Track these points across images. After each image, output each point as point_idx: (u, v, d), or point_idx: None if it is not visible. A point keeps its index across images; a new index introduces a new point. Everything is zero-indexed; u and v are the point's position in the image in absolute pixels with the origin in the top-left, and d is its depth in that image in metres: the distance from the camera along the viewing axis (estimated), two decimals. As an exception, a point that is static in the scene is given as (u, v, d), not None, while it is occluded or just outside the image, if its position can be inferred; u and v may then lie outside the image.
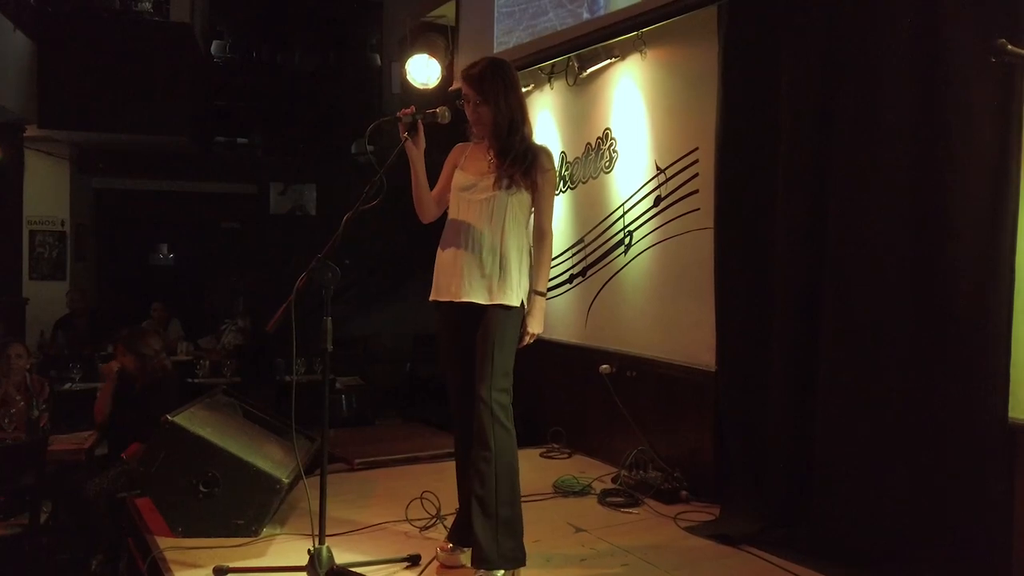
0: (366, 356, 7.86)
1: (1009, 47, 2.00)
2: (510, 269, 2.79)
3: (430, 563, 2.94)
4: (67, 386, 5.52)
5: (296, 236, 9.30)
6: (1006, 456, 2.66)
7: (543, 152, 2.89)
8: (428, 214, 3.02)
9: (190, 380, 6.30)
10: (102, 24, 8.34)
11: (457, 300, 2.80)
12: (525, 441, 4.61)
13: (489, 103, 2.81)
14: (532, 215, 2.92)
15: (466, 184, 2.88)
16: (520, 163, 2.82)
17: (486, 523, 2.72)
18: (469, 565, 2.85)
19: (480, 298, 2.78)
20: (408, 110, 2.83)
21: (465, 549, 2.92)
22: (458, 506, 3.01)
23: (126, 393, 4.17)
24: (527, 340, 2.87)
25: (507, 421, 2.76)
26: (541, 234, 2.91)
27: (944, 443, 2.79)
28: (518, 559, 2.76)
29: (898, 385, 2.93)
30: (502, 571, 2.69)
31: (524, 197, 2.85)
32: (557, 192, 4.95)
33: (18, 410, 4.33)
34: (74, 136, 8.65)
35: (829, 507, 3.12)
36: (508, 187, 2.80)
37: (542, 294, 2.90)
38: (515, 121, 2.84)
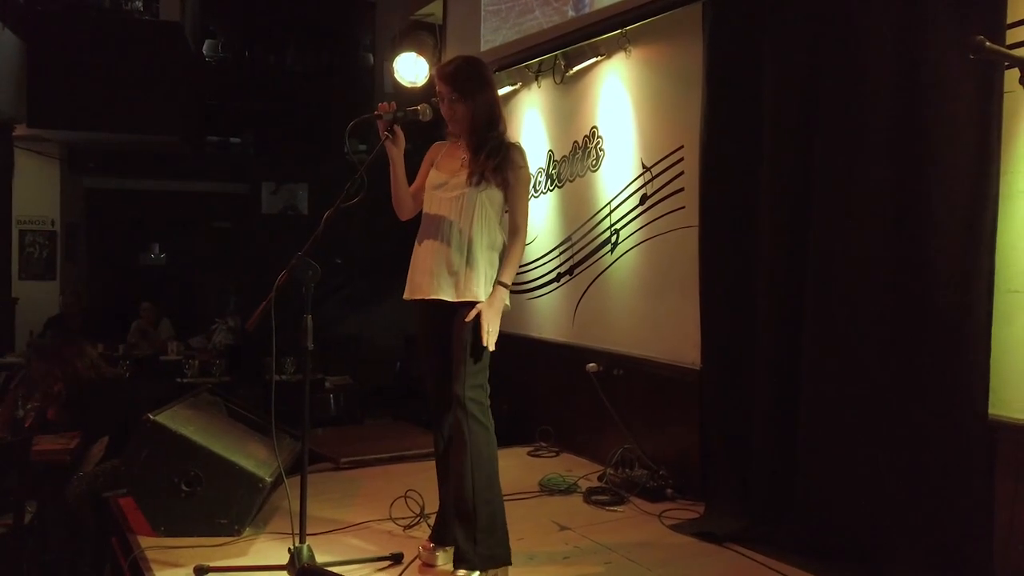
0: (356, 355, 7.86)
1: (987, 44, 1.99)
2: (478, 266, 2.76)
3: (412, 562, 2.93)
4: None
5: (288, 236, 9.29)
6: (987, 452, 2.66)
7: (515, 149, 2.86)
8: (405, 211, 3.01)
9: (179, 380, 6.29)
10: (91, 22, 8.31)
11: (428, 298, 2.79)
12: (513, 440, 4.66)
13: (465, 100, 2.80)
14: (507, 213, 2.89)
15: (438, 182, 2.88)
16: (492, 158, 2.79)
17: (464, 523, 2.72)
18: (449, 564, 2.85)
19: (448, 295, 2.77)
20: (387, 106, 2.82)
21: (446, 548, 2.92)
22: (440, 507, 3.00)
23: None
24: (485, 330, 2.70)
25: (483, 418, 2.74)
26: (514, 230, 2.85)
27: (926, 440, 2.80)
28: (498, 558, 2.73)
29: (880, 383, 2.93)
30: (478, 571, 2.67)
31: (495, 194, 2.82)
32: (544, 191, 4.96)
33: (2, 411, 4.32)
34: (64, 135, 8.63)
35: (812, 504, 3.12)
36: (478, 184, 2.78)
37: (505, 285, 2.80)
38: (492, 118, 2.83)
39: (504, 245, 2.86)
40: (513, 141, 2.90)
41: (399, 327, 7.83)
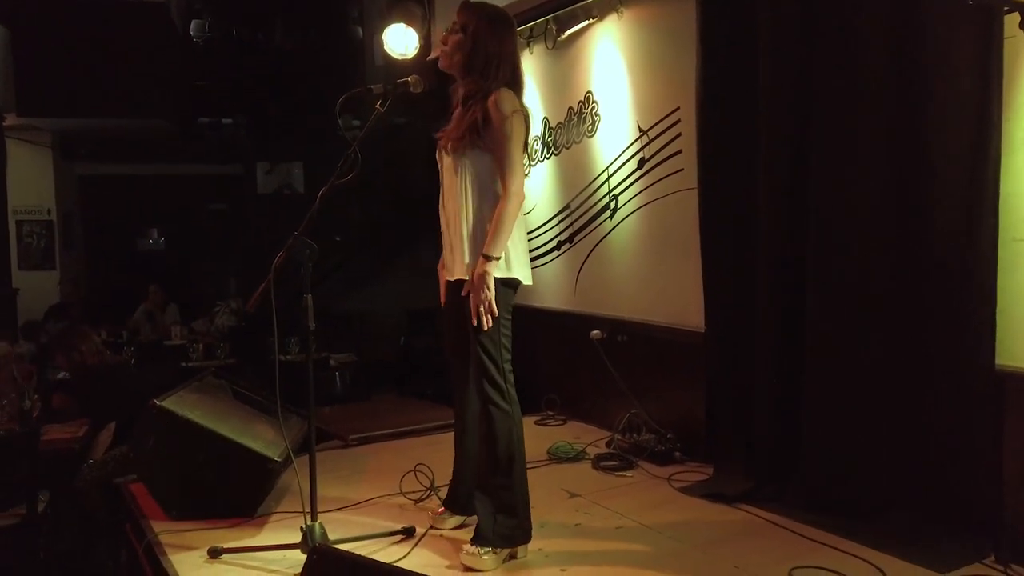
0: (360, 332, 7.86)
1: (985, -11, 1.95)
2: (476, 238, 2.66)
3: (424, 534, 2.95)
4: (60, 375, 5.50)
5: (285, 215, 9.26)
6: (994, 403, 2.66)
7: (496, 98, 2.60)
8: None
9: (184, 364, 6.31)
10: (77, 7, 8.20)
11: (451, 279, 2.77)
12: (520, 410, 4.66)
13: (465, 33, 2.66)
14: None
15: (441, 156, 2.82)
16: (470, 113, 2.65)
17: (485, 502, 2.71)
18: (457, 528, 2.92)
19: (458, 274, 2.71)
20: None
21: (456, 515, 2.97)
22: (452, 476, 3.02)
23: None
24: (474, 314, 2.57)
25: (501, 401, 2.65)
26: (501, 192, 2.62)
27: (932, 393, 2.79)
28: (515, 538, 2.71)
29: (885, 337, 2.92)
30: (490, 547, 2.66)
31: (482, 156, 2.64)
32: (541, 158, 4.91)
33: (10, 401, 4.32)
34: (55, 123, 8.56)
35: (819, 461, 3.12)
36: (456, 149, 2.67)
37: (488, 257, 2.57)
38: (488, 64, 2.64)
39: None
40: (501, 90, 2.63)
41: (402, 302, 7.82)
